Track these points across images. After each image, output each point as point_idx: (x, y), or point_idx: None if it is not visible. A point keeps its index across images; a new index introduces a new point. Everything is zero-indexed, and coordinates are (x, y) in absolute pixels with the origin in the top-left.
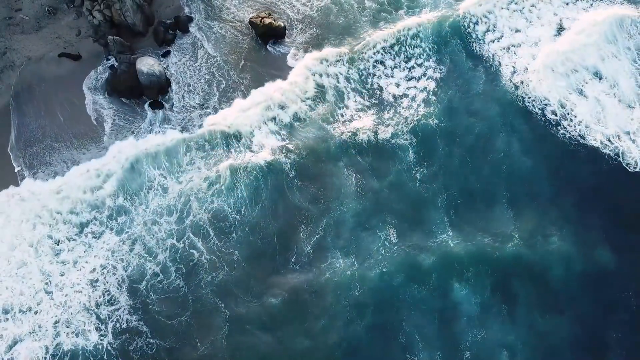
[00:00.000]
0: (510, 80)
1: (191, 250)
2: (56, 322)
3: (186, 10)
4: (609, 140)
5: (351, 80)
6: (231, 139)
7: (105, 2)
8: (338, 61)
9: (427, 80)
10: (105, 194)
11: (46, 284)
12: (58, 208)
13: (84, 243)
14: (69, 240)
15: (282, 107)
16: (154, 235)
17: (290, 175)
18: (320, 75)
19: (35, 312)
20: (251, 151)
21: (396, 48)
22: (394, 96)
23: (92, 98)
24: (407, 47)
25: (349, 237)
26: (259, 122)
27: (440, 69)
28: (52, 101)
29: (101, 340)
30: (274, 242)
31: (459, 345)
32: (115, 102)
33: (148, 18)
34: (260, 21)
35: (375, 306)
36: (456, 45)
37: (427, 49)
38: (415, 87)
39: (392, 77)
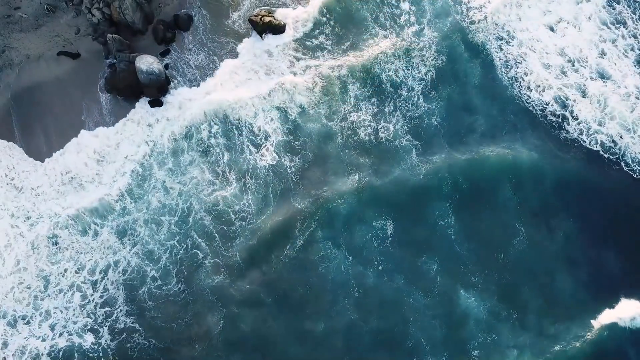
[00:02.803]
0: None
1: (195, 251)
2: (54, 323)
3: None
4: (613, 142)
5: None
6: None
7: (104, 1)
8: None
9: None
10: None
11: (44, 283)
12: (57, 208)
13: (85, 243)
14: (69, 239)
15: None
16: (154, 237)
17: (290, 170)
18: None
19: (32, 312)
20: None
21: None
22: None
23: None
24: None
25: (347, 235)
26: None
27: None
28: (51, 100)
29: (99, 340)
30: (273, 241)
31: None
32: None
33: (147, 16)
34: (260, 19)
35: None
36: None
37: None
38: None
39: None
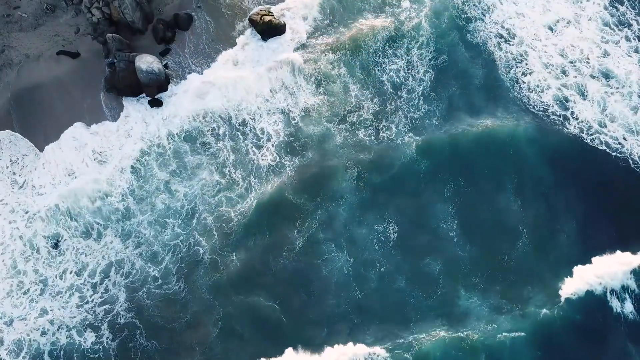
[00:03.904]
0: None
1: (196, 248)
2: (53, 319)
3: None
4: (619, 143)
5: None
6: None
7: (104, 0)
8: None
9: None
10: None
11: (43, 285)
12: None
13: (87, 245)
14: (70, 240)
15: None
16: (157, 238)
17: (291, 170)
18: None
19: (32, 312)
20: (255, 147)
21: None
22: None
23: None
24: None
25: (346, 235)
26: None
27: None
28: (51, 100)
29: (99, 339)
30: (274, 241)
31: None
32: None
33: (147, 15)
34: (260, 19)
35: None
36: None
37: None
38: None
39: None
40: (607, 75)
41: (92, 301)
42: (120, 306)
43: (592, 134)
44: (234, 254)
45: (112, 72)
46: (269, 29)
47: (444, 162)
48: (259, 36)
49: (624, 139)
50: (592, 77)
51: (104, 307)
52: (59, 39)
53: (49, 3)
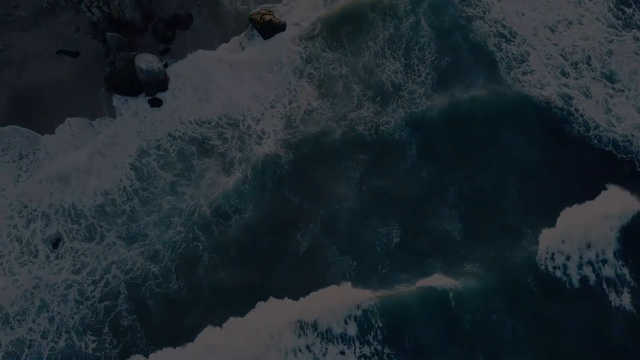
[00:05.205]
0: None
1: (195, 244)
2: (52, 318)
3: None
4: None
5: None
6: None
7: None
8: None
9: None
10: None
11: (38, 283)
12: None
13: (89, 248)
14: (71, 242)
15: None
16: (160, 238)
17: (291, 169)
18: None
19: (30, 308)
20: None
21: None
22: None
23: None
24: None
25: (347, 235)
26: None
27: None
28: (51, 99)
29: (100, 344)
30: (275, 243)
31: None
32: None
33: (147, 15)
34: (261, 18)
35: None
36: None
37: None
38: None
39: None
40: (610, 77)
41: (92, 297)
42: (121, 305)
43: (596, 135)
44: (232, 250)
45: (112, 71)
46: (270, 28)
47: (444, 156)
48: (260, 36)
49: (632, 135)
50: (594, 78)
51: (104, 303)
52: (59, 38)
53: (48, 2)
